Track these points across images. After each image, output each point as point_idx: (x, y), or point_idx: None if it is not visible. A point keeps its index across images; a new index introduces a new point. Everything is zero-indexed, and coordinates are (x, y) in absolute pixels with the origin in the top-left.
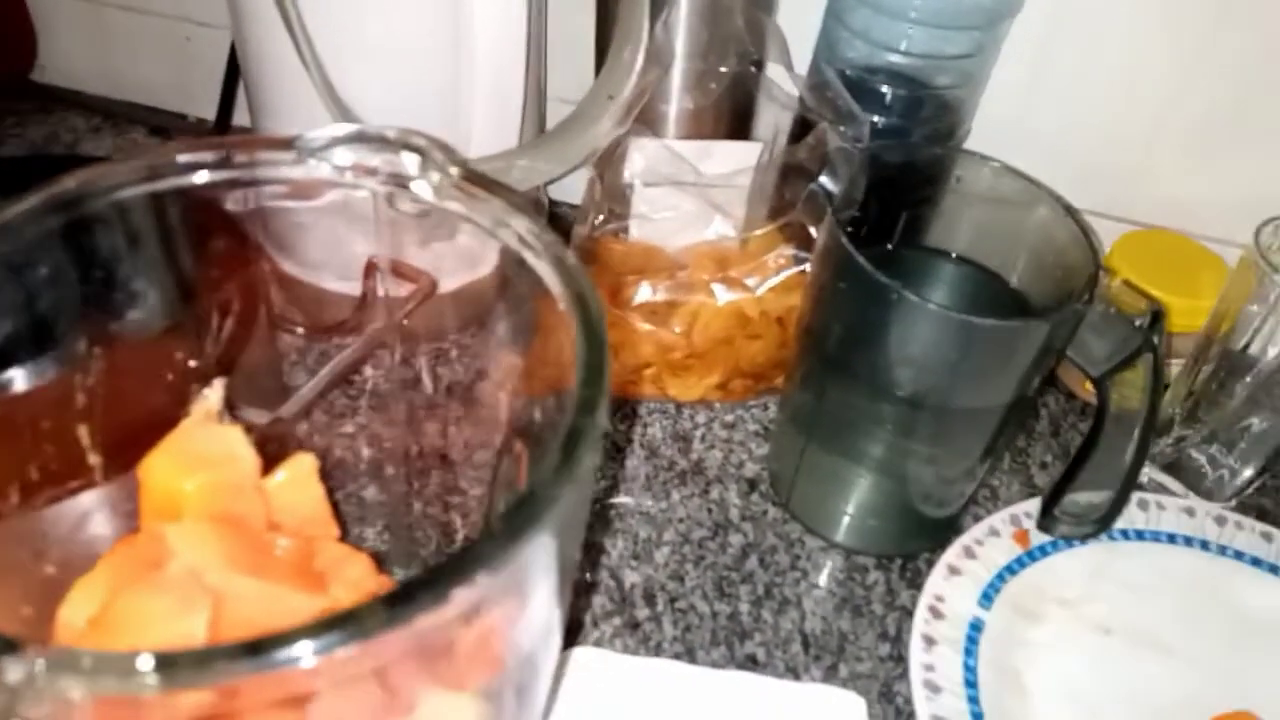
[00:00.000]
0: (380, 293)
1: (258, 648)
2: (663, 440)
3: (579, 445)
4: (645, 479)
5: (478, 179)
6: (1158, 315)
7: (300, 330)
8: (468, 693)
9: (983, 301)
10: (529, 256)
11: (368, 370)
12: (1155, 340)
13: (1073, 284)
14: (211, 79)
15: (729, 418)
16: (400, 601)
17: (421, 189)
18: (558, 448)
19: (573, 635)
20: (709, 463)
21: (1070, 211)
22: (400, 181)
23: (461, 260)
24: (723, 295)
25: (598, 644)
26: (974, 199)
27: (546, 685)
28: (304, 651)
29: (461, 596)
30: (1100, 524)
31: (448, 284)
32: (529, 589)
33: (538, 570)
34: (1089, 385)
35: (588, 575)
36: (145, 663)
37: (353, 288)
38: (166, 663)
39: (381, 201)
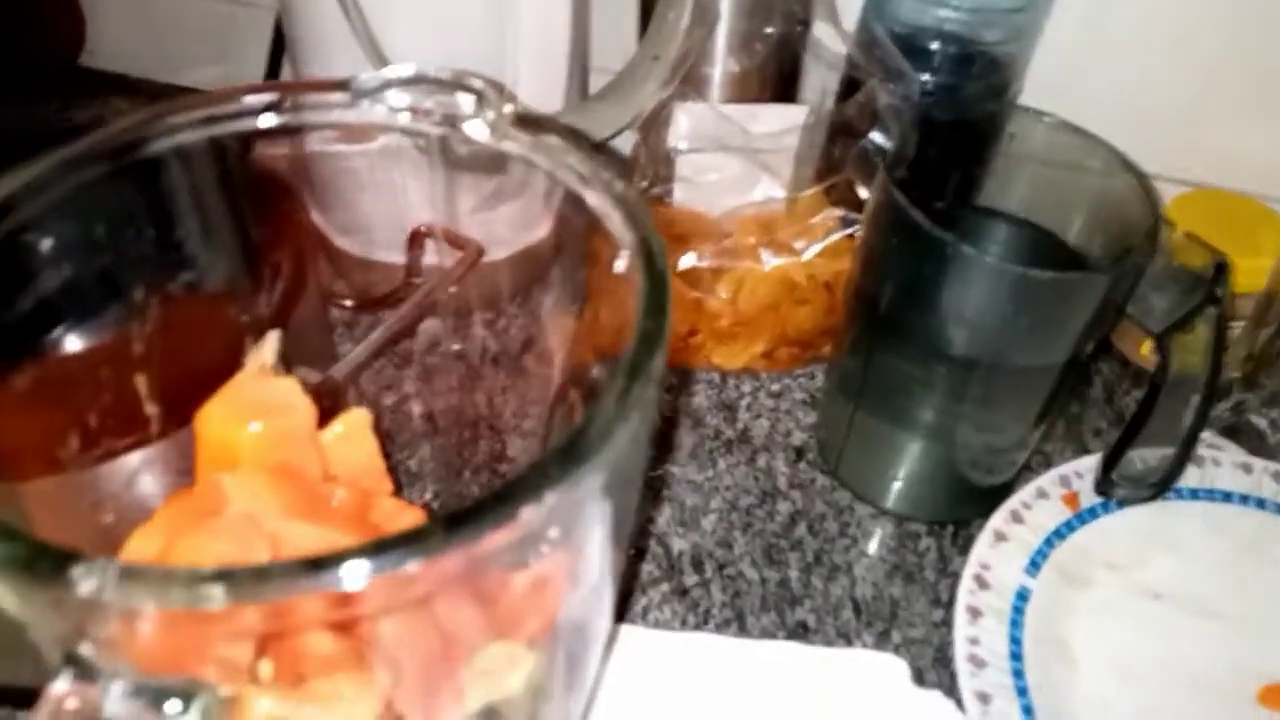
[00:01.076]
0: (430, 261)
1: (319, 564)
2: (708, 409)
3: (638, 378)
4: (691, 448)
5: (533, 119)
6: (1222, 267)
7: (349, 303)
8: (522, 644)
9: (1038, 260)
10: (588, 195)
11: (420, 335)
12: (1219, 293)
13: (1131, 239)
14: (257, 60)
15: (775, 386)
16: (458, 523)
17: (477, 129)
18: (616, 382)
19: (623, 605)
20: (755, 431)
21: (1128, 165)
22: (455, 123)
23: (515, 224)
24: (769, 260)
25: (645, 610)
26: (1027, 156)
27: (597, 659)
28: (363, 570)
29: (518, 521)
30: (1159, 486)
31: (502, 250)
32: (582, 534)
33: (592, 514)
34: (1144, 350)
35: (634, 546)
36: (211, 575)
37: (399, 257)
38: (230, 577)
39: (436, 147)
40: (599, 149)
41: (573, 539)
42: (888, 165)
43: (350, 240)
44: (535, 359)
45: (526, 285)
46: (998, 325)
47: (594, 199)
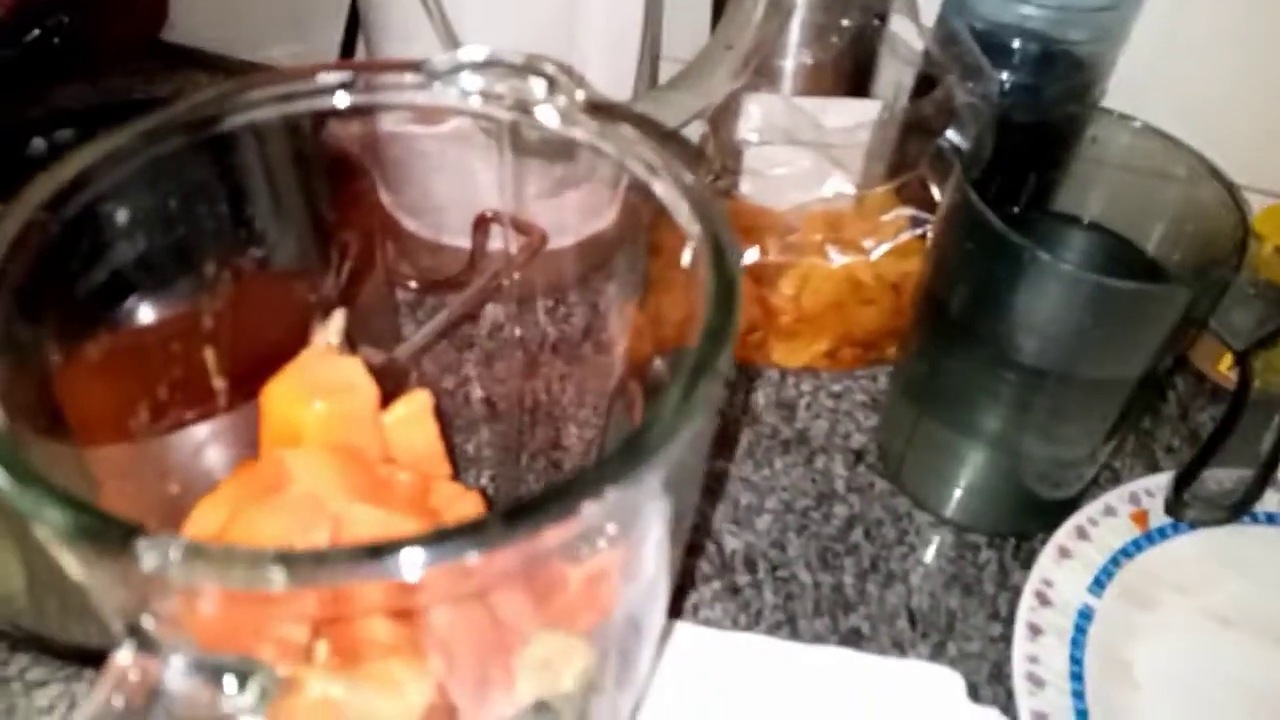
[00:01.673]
0: (496, 246)
1: (379, 550)
2: (765, 407)
3: (702, 376)
4: (747, 446)
5: (604, 106)
6: None
7: (413, 285)
8: (578, 638)
9: (1115, 270)
10: (656, 185)
11: (483, 320)
12: None
13: (1215, 252)
14: (332, 39)
15: (836, 387)
16: (518, 516)
17: (548, 115)
18: (681, 378)
19: (677, 602)
20: (814, 432)
21: (1216, 173)
22: (526, 108)
23: (581, 212)
24: (836, 258)
25: (696, 607)
26: (1109, 161)
27: (650, 655)
28: (421, 559)
29: (578, 517)
30: (1234, 510)
31: (567, 237)
32: (641, 530)
33: (651, 511)
34: (1222, 366)
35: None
36: (272, 558)
37: (467, 241)
38: (292, 560)
39: (505, 131)
40: (669, 138)
41: (631, 535)
42: (963, 166)
43: (418, 223)
44: (596, 348)
45: (590, 274)
46: (1071, 335)
47: (662, 189)
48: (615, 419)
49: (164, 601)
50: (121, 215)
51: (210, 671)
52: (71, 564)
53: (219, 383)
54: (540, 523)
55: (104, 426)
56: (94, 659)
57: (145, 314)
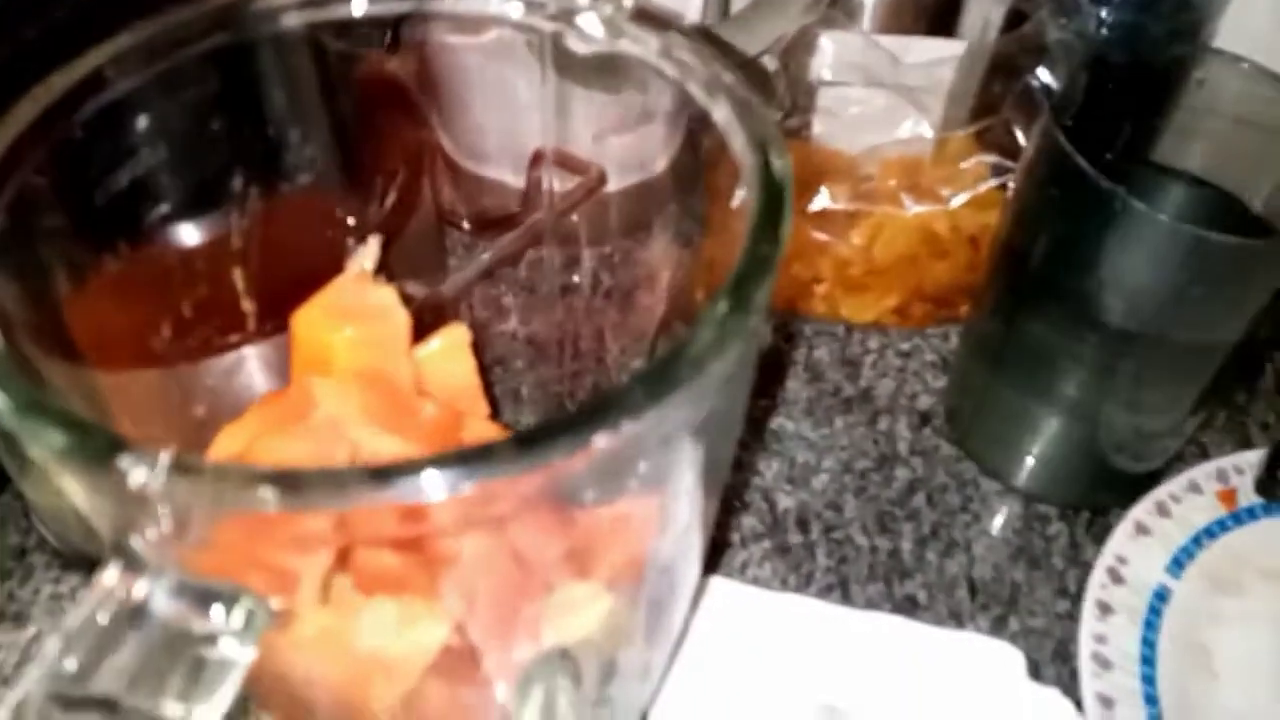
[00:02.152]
0: (547, 186)
1: (384, 474)
2: (829, 364)
3: (740, 305)
4: (807, 403)
5: (653, 16)
6: None
7: (465, 225)
8: (602, 584)
9: (1217, 226)
10: (716, 112)
11: (529, 263)
12: None
13: None
14: None
15: (904, 345)
16: (529, 443)
17: (591, 24)
18: (718, 304)
19: (718, 557)
20: (879, 391)
21: None
22: (569, 17)
23: (633, 156)
24: (911, 207)
25: (744, 565)
26: (1216, 108)
27: (683, 610)
28: (430, 483)
29: (590, 447)
30: None
31: (619, 181)
32: (672, 475)
33: (681, 453)
34: None
35: (737, 499)
36: (265, 476)
37: (519, 180)
38: (285, 479)
39: (549, 46)
40: (740, 66)
41: (661, 479)
42: (1053, 107)
43: (470, 159)
44: (645, 294)
45: (641, 219)
46: (1165, 294)
47: (722, 116)
48: (660, 347)
49: (151, 521)
50: (141, 121)
51: (196, 595)
52: (71, 489)
53: (248, 305)
54: (552, 451)
55: (124, 347)
56: None
57: (168, 228)
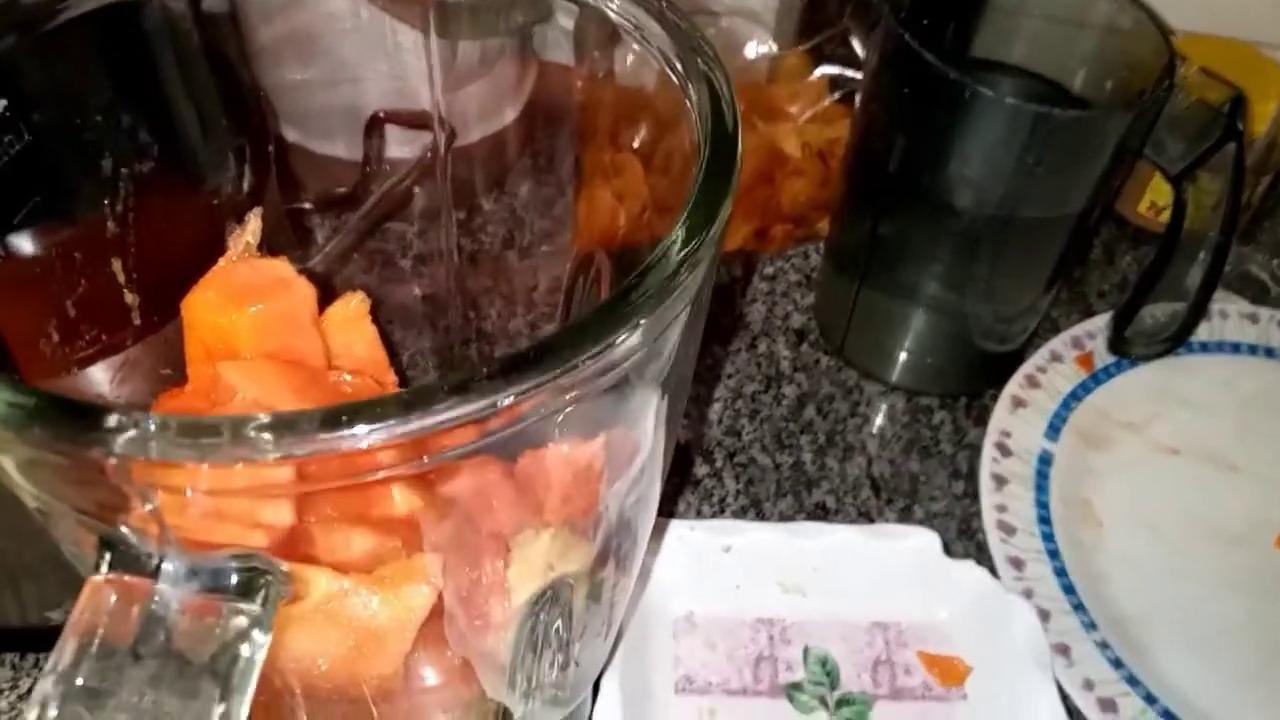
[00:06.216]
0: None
1: (331, 418)
2: None
3: (698, 235)
4: None
5: None
6: (1239, 100)
7: (308, 205)
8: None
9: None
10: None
11: (410, 216)
12: (1239, 126)
13: (1141, 82)
14: None
15: (768, 270)
16: (467, 384)
17: None
18: (674, 236)
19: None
20: (752, 317)
21: (1137, 1)
22: None
23: (485, 106)
24: (760, 127)
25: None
26: (1026, 7)
27: (642, 549)
28: (364, 427)
29: (543, 391)
30: (1173, 340)
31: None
32: (631, 418)
33: (646, 390)
34: (1141, 208)
35: None
36: (262, 423)
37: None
38: (284, 422)
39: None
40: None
41: (625, 418)
42: (892, 10)
43: (300, 132)
44: (542, 236)
45: (501, 172)
46: (1014, 173)
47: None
48: (578, 290)
49: (139, 492)
50: None
51: (210, 575)
52: (29, 480)
53: (131, 297)
54: (513, 382)
55: (16, 349)
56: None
57: (40, 216)
